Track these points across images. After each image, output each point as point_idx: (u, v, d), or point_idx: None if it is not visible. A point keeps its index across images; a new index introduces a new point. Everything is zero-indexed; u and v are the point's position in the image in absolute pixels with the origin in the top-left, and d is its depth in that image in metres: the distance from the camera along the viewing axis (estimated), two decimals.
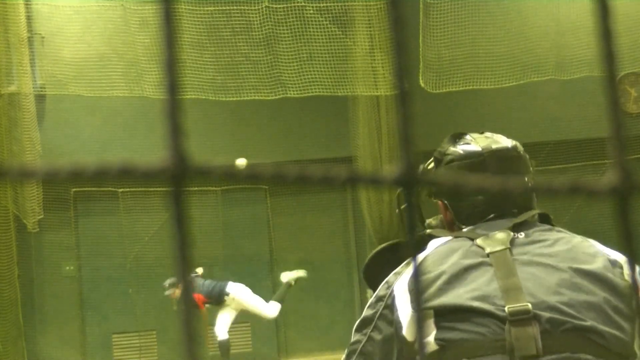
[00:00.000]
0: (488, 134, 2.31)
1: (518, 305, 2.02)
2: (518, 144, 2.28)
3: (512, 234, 2.16)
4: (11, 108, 12.68)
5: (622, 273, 2.04)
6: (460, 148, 2.25)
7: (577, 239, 2.18)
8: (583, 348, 2.00)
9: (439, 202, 2.37)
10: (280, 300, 11.78)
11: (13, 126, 12.72)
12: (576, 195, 0.47)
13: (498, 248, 2.11)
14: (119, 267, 13.22)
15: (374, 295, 2.23)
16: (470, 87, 13.11)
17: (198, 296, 11.30)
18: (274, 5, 12.96)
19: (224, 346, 12.04)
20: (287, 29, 12.92)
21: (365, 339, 2.20)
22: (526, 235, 2.16)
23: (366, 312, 2.22)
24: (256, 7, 12.97)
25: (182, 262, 0.46)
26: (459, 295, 2.06)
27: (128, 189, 13.15)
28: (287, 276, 12.04)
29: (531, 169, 2.28)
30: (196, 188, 12.35)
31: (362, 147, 12.88)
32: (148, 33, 12.67)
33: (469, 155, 2.23)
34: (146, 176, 0.44)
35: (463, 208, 2.27)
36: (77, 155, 12.75)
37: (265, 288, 13.41)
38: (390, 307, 2.15)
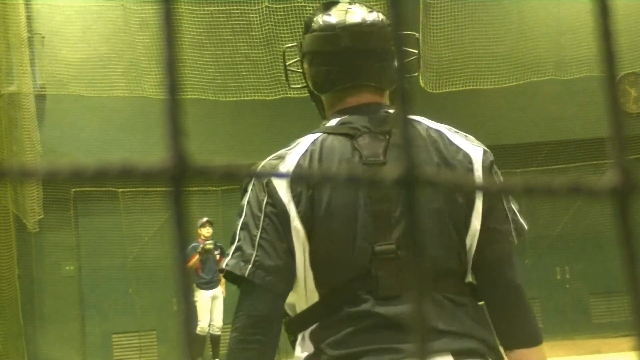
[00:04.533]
0: (355, 6, 2.25)
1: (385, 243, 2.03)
2: (380, 16, 2.22)
3: (386, 136, 2.12)
4: (11, 108, 12.69)
5: None
6: (322, 18, 2.21)
7: None
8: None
9: (304, 68, 2.32)
10: None
11: (13, 126, 12.73)
12: (576, 195, 0.47)
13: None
14: (119, 267, 13.23)
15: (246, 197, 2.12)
16: (470, 87, 13.12)
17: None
18: (274, 5, 12.96)
19: (216, 341, 12.16)
20: (287, 29, 12.92)
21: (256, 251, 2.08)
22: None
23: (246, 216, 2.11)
24: (256, 7, 12.97)
25: (182, 262, 0.46)
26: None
27: (128, 189, 13.15)
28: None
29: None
30: (196, 188, 12.36)
31: None
32: (148, 33, 12.68)
33: (325, 28, 2.19)
34: (146, 176, 0.44)
35: (318, 75, 2.21)
36: (77, 155, 12.76)
37: None
38: (273, 204, 2.07)
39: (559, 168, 13.27)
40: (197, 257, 11.81)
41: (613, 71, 0.47)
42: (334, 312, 2.05)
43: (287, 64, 2.46)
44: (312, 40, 2.21)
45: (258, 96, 12.96)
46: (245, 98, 12.97)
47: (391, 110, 2.20)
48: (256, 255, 2.05)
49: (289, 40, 12.92)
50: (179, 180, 0.44)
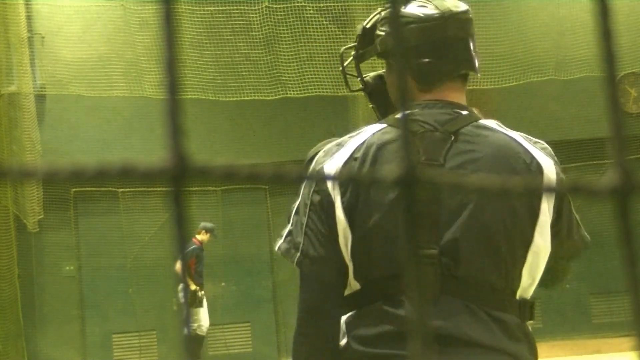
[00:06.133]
0: None
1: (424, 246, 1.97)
2: (469, 8, 2.23)
3: (451, 137, 2.06)
4: (11, 108, 12.69)
5: None
6: (417, 11, 2.15)
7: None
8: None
9: (387, 62, 2.27)
10: None
11: (13, 126, 12.73)
12: (576, 195, 0.47)
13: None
14: (119, 267, 13.22)
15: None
16: (470, 87, 13.09)
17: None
18: (274, 5, 12.96)
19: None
20: (287, 29, 12.92)
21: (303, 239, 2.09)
22: (462, 141, 2.07)
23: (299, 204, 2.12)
24: (256, 7, 12.97)
25: (182, 262, 0.46)
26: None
27: (128, 189, 13.15)
28: None
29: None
30: (196, 188, 12.35)
31: None
32: (148, 33, 12.67)
33: (430, 18, 2.14)
34: (146, 176, 0.44)
35: (423, 67, 2.14)
36: (77, 155, 12.76)
37: (265, 288, 13.42)
38: (319, 191, 2.05)
39: None
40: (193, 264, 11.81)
41: (613, 71, 0.47)
42: (369, 307, 2.04)
43: (344, 65, 2.42)
44: (413, 32, 2.14)
45: (258, 96, 12.95)
46: (245, 98, 12.96)
47: (464, 112, 2.14)
48: (303, 244, 2.07)
49: (289, 40, 12.93)
50: (179, 180, 0.44)
